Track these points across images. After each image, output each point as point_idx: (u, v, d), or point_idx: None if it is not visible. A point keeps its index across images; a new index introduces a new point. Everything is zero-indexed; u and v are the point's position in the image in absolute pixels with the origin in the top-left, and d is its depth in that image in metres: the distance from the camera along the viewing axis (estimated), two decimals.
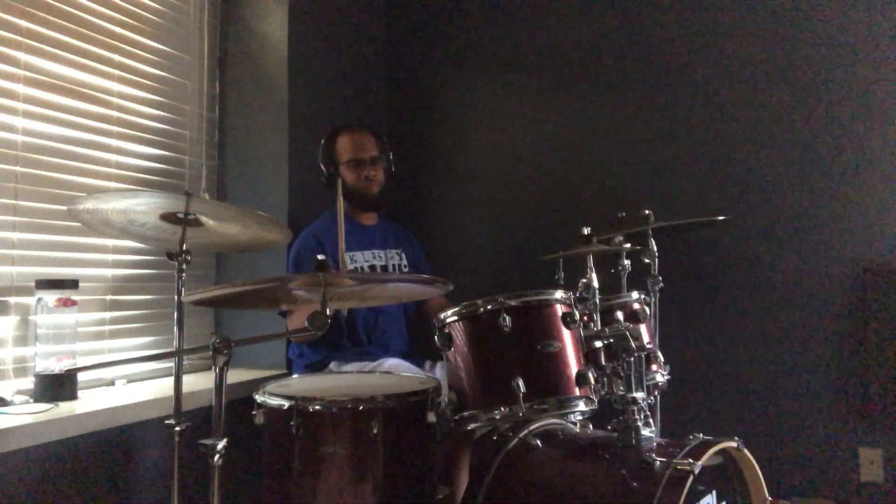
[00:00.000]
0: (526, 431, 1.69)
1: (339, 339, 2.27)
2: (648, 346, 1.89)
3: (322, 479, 1.49)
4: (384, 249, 2.42)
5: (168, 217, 1.58)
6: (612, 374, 1.67)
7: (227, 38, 2.59)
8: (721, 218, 2.36)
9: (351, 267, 2.27)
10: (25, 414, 1.63)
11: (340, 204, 2.10)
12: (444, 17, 3.14)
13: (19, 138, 1.86)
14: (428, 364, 2.36)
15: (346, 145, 2.37)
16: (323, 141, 2.40)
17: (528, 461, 1.64)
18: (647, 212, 2.20)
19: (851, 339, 2.46)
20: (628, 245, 2.02)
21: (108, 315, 2.11)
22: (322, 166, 2.38)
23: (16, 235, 1.84)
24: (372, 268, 2.36)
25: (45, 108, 1.93)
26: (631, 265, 2.12)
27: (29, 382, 1.79)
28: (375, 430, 1.47)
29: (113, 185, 2.12)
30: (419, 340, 2.43)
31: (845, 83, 2.50)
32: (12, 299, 1.82)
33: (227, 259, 2.53)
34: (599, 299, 1.79)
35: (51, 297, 1.80)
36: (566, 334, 1.63)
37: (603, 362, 1.70)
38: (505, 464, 1.64)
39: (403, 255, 2.46)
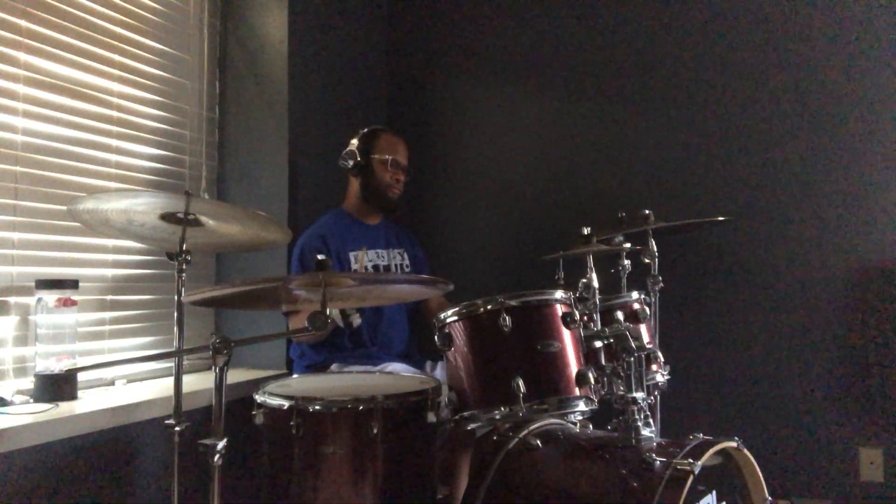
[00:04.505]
0: (526, 431, 1.69)
1: (341, 340, 2.26)
2: (648, 346, 1.88)
3: (322, 479, 1.49)
4: (387, 249, 2.43)
5: (168, 217, 1.58)
6: (612, 374, 1.67)
7: (227, 38, 2.59)
8: (721, 218, 2.36)
9: (354, 266, 2.27)
10: (25, 414, 1.63)
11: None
12: (444, 18, 3.14)
13: (19, 138, 1.86)
14: (429, 365, 2.36)
15: (389, 144, 2.41)
16: (365, 130, 2.41)
17: (528, 461, 1.64)
18: (647, 212, 2.21)
19: (851, 339, 2.46)
20: (628, 245, 2.02)
21: (108, 315, 2.11)
22: (356, 152, 2.36)
23: (16, 235, 1.84)
24: (375, 267, 2.36)
25: (45, 108, 1.93)
26: (631, 265, 2.12)
27: (29, 382, 1.79)
28: (375, 430, 1.47)
29: (113, 185, 2.12)
30: (420, 341, 2.43)
31: (846, 83, 2.50)
32: (12, 299, 1.82)
33: (227, 259, 2.53)
34: (599, 299, 1.79)
35: (51, 297, 1.79)
36: (566, 334, 1.63)
37: (603, 362, 1.71)
38: (505, 464, 1.64)
39: (405, 255, 2.47)
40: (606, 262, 2.07)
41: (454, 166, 3.08)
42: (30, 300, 1.83)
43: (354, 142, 2.39)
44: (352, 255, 2.31)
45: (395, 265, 2.43)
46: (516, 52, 2.98)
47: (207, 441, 1.26)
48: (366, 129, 2.43)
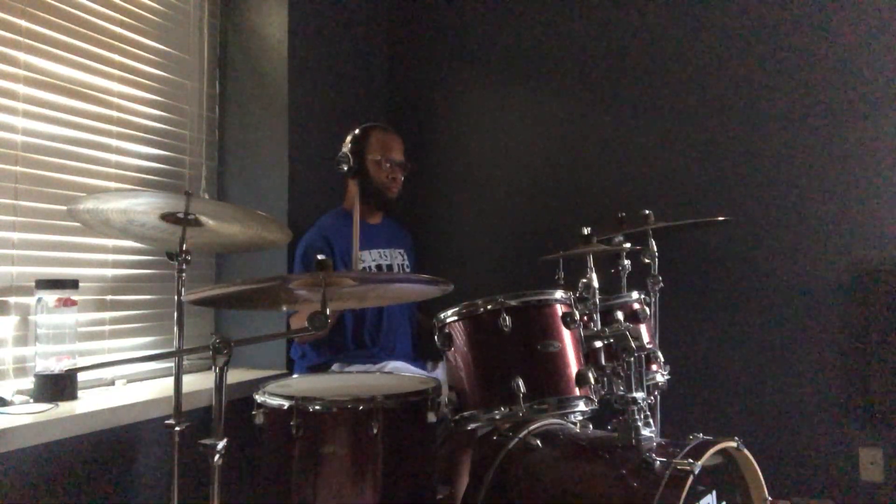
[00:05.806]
0: (526, 431, 1.69)
1: (343, 340, 2.26)
2: (648, 346, 1.89)
3: (322, 479, 1.49)
4: (389, 248, 2.43)
5: (168, 217, 1.58)
6: (612, 374, 1.67)
7: (227, 38, 2.59)
8: (721, 218, 2.36)
9: (359, 267, 2.27)
10: (25, 414, 1.63)
11: (356, 214, 2.11)
12: (444, 17, 3.14)
13: (19, 138, 1.86)
14: (430, 365, 2.36)
15: (380, 142, 2.37)
16: (356, 131, 2.39)
17: (528, 461, 1.64)
18: (647, 212, 2.21)
19: (851, 340, 2.46)
20: (628, 245, 2.02)
21: (108, 315, 2.11)
22: (349, 155, 2.33)
23: (16, 235, 1.84)
24: (378, 267, 2.36)
25: (45, 108, 1.93)
26: (631, 265, 2.12)
27: (29, 382, 1.79)
28: (375, 430, 1.47)
29: (113, 185, 2.12)
30: (422, 341, 2.43)
31: (845, 83, 2.50)
32: (12, 299, 1.82)
33: (227, 259, 2.53)
34: (599, 299, 1.79)
35: (51, 297, 1.79)
36: (566, 334, 1.63)
37: (603, 362, 1.71)
38: (505, 464, 1.64)
39: (405, 255, 2.47)
40: (606, 262, 2.07)
41: (454, 166, 3.08)
42: (30, 300, 1.83)
43: (346, 144, 2.37)
44: None
45: (397, 265, 2.43)
46: (517, 52, 2.98)
47: (207, 441, 1.26)
48: (356, 130, 2.39)
